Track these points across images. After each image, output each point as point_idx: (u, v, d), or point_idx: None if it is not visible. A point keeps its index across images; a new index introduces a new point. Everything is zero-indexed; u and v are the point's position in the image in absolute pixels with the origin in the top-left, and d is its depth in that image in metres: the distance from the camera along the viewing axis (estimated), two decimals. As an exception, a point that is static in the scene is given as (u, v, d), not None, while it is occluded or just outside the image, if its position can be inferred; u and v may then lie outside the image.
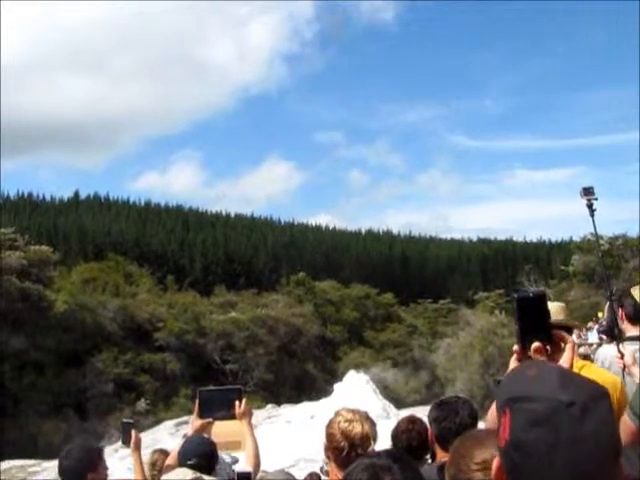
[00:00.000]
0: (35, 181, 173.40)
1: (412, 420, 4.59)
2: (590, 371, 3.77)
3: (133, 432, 4.97)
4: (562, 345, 1.54)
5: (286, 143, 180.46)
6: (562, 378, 1.28)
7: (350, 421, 3.40)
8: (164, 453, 5.79)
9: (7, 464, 26.41)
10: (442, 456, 3.58)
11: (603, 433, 1.20)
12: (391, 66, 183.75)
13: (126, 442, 5.05)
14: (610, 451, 1.21)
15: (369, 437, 3.36)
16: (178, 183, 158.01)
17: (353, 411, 3.51)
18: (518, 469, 1.23)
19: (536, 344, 1.50)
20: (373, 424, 3.51)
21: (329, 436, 3.43)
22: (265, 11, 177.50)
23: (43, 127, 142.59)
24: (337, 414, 3.51)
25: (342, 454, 3.34)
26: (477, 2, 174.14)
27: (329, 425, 3.48)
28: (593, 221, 4.53)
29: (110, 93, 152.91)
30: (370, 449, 3.30)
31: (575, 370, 3.23)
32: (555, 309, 3.77)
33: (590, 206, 4.47)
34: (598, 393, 1.26)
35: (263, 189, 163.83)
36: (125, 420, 5.38)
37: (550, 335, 1.53)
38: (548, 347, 1.52)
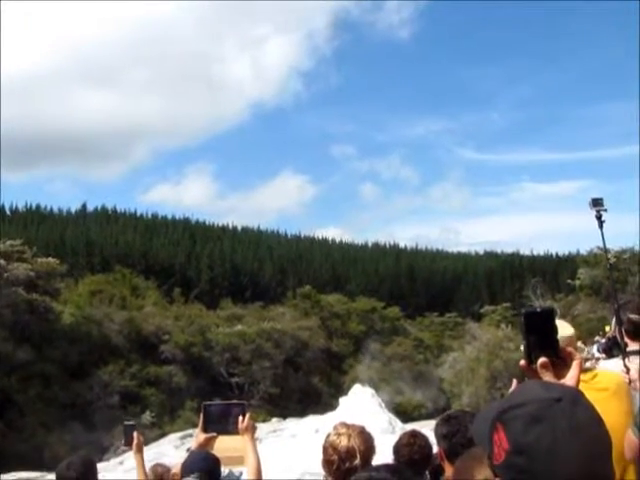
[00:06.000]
0: (45, 193, 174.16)
1: (414, 434, 4.58)
2: (603, 375, 3.69)
3: (135, 434, 4.94)
4: (569, 361, 1.54)
5: (300, 157, 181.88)
6: (543, 384, 1.40)
7: (339, 435, 3.45)
8: (165, 467, 5.77)
9: (12, 476, 26.39)
10: (451, 472, 3.56)
11: (595, 421, 1.30)
12: (401, 81, 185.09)
13: (128, 444, 5.02)
14: (604, 438, 1.30)
15: (355, 450, 3.37)
16: (191, 196, 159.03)
17: (347, 425, 3.54)
18: (526, 474, 1.26)
19: (542, 359, 1.51)
20: (368, 438, 3.52)
21: (323, 449, 3.49)
22: (281, 29, 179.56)
23: (56, 139, 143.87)
24: (333, 428, 3.55)
25: (333, 467, 3.39)
26: (485, 17, 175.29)
27: (324, 439, 3.54)
28: (602, 232, 4.51)
29: (125, 107, 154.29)
30: (356, 462, 3.32)
31: (587, 380, 3.20)
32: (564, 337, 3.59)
33: (599, 217, 4.45)
34: (577, 391, 1.37)
35: (275, 202, 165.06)
36: (127, 422, 5.33)
37: (557, 351, 1.53)
38: (555, 363, 1.52)
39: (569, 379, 1.49)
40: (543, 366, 1.50)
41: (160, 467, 5.79)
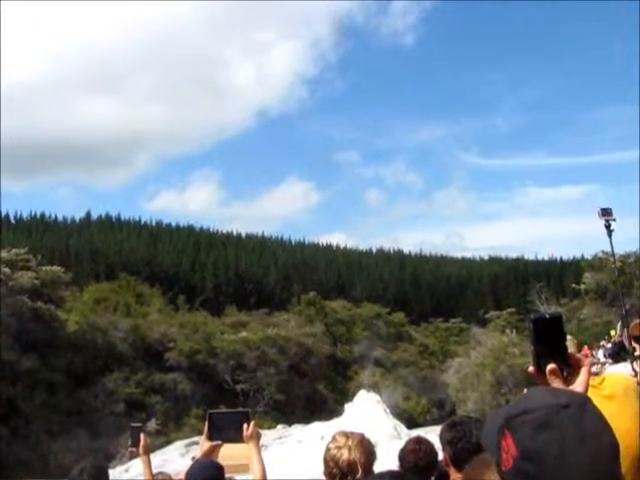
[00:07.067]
0: (50, 201, 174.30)
1: (419, 440, 4.56)
2: (610, 379, 3.67)
3: (142, 436, 4.94)
4: (578, 368, 1.53)
5: (304, 163, 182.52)
6: (550, 390, 1.41)
7: (339, 447, 3.40)
8: (166, 474, 5.75)
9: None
10: (456, 477, 3.54)
11: (603, 428, 1.29)
12: (405, 86, 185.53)
13: (135, 446, 5.02)
14: (612, 445, 1.28)
15: (356, 464, 3.34)
16: (195, 203, 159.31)
17: (347, 435, 3.49)
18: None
19: (551, 366, 1.49)
20: (369, 447, 3.48)
21: (324, 461, 3.44)
22: (286, 35, 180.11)
23: (60, 147, 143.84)
24: (332, 439, 3.51)
25: (336, 479, 3.34)
26: (489, 22, 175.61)
27: (325, 451, 3.49)
28: (610, 241, 4.52)
29: (128, 114, 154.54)
30: (358, 476, 3.30)
31: (595, 385, 3.19)
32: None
33: (608, 226, 4.46)
34: (585, 397, 1.36)
35: (280, 209, 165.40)
36: (134, 424, 5.33)
37: (566, 357, 1.52)
38: (564, 369, 1.51)
39: (578, 385, 1.48)
40: (552, 372, 1.49)
41: (161, 475, 5.77)
